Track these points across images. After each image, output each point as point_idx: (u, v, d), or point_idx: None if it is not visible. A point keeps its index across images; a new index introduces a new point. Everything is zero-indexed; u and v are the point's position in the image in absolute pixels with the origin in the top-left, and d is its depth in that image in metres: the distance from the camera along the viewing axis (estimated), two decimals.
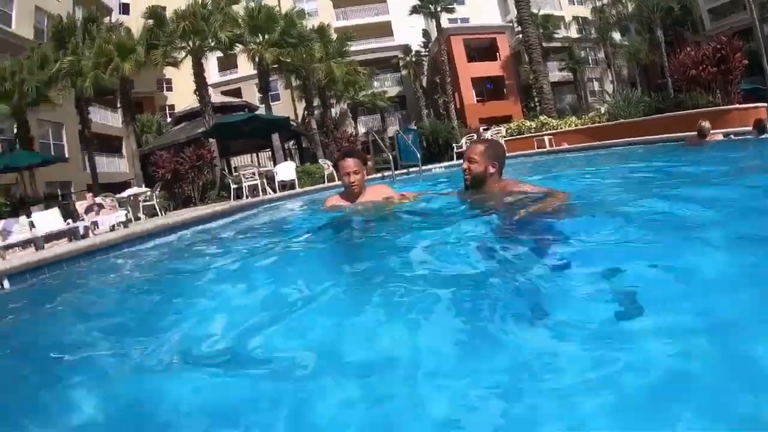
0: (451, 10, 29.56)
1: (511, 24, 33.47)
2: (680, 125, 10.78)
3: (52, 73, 17.27)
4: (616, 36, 35.46)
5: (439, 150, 21.32)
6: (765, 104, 11.57)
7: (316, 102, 24.09)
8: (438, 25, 29.55)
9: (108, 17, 27.56)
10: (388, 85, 33.76)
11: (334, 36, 23.76)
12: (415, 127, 26.53)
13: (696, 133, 8.05)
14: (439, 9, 28.99)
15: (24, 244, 9.45)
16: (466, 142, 17.96)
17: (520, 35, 26.44)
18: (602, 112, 17.39)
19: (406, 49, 33.12)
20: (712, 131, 8.14)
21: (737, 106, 12.02)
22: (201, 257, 4.31)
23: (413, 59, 33.50)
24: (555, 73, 33.33)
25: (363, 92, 27.76)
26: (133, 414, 1.52)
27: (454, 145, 18.81)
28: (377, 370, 1.31)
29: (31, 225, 9.91)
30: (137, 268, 5.09)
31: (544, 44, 27.22)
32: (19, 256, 8.09)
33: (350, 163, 3.28)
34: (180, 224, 7.76)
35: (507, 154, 3.16)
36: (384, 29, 34.09)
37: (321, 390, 1.25)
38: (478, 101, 32.49)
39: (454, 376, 1.22)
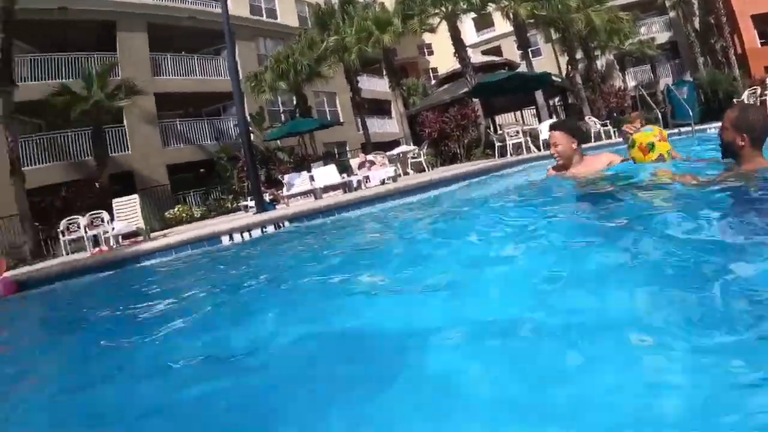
0: None
1: None
2: None
3: (320, 52, 19.54)
4: None
5: (719, 105, 17.82)
6: None
7: (578, 55, 22.29)
8: None
9: None
10: (655, 31, 29.04)
11: None
12: (691, 79, 22.59)
13: None
14: None
15: (305, 194, 10.89)
16: (747, 97, 14.79)
17: None
18: None
19: None
20: None
21: None
22: (463, 213, 4.53)
23: None
24: None
25: (629, 41, 24.36)
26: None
27: (734, 100, 15.59)
28: None
29: (311, 179, 11.24)
30: (395, 219, 5.87)
31: None
32: (300, 204, 9.43)
33: (552, 135, 3.48)
34: (447, 179, 8.13)
35: None
36: None
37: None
38: (762, 44, 26.13)
39: None
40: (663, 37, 28.93)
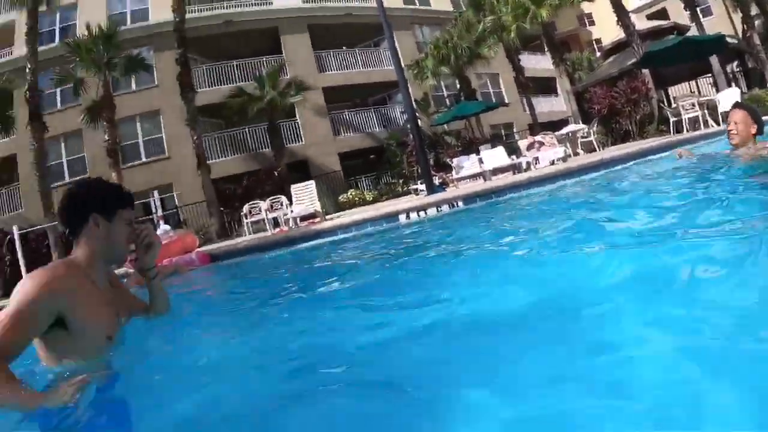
0: None
1: None
2: None
3: (478, 33, 19.13)
4: None
5: None
6: None
7: (754, 11, 18.82)
8: None
9: None
10: None
11: None
12: None
13: None
14: None
15: (474, 177, 10.92)
16: None
17: None
18: None
19: None
20: None
21: None
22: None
23: None
24: None
25: None
26: None
27: None
28: None
29: (480, 161, 11.20)
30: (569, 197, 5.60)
31: None
32: (470, 186, 9.41)
33: (734, 113, 3.43)
34: (620, 157, 7.60)
35: None
36: None
37: None
38: None
39: None
40: None
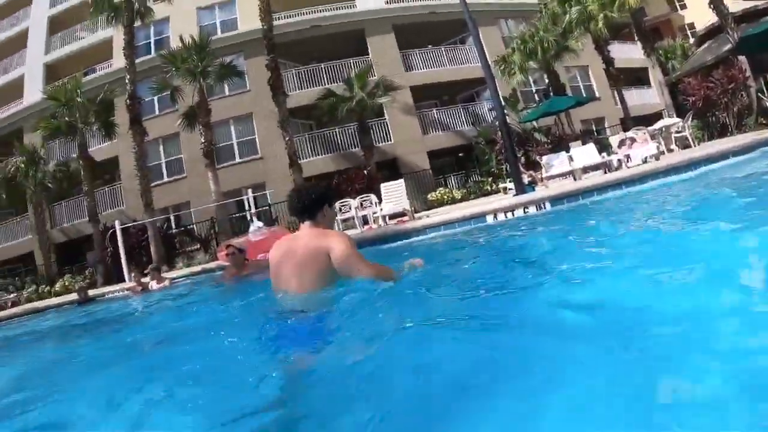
0: None
1: None
2: None
3: (565, 25, 18.48)
4: None
5: None
6: None
7: None
8: None
9: None
10: None
11: None
12: None
13: None
14: None
15: (564, 175, 10.67)
16: None
17: None
18: None
19: None
20: None
21: None
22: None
23: None
24: None
25: None
26: None
27: None
28: None
29: (570, 159, 10.96)
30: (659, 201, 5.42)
31: None
32: (559, 186, 9.27)
33: None
34: (705, 158, 7.29)
35: None
36: None
37: None
38: None
39: None
40: None
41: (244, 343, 2.35)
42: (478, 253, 4.94)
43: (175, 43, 16.98)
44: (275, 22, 16.27)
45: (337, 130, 19.79)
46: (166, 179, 19.44)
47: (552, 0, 20.20)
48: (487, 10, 22.72)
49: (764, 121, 13.04)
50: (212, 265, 10.06)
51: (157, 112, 19.52)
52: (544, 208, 7.26)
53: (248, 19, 19.09)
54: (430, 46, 22.17)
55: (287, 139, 15.29)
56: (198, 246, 15.72)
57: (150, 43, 21.02)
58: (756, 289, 1.80)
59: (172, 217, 18.46)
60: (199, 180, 16.94)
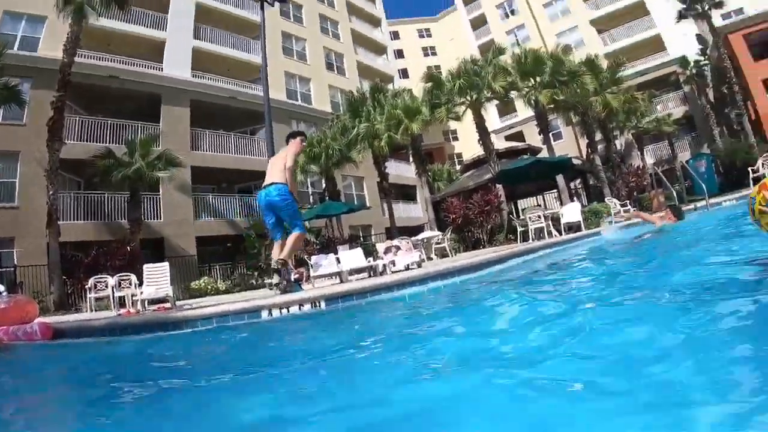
0: (720, 5, 24.65)
1: None
2: None
3: (351, 137, 20.35)
4: None
5: (737, 175, 18.19)
6: None
7: (597, 136, 22.89)
8: (710, 26, 24.76)
9: (391, 83, 31.78)
10: (671, 107, 29.47)
11: (605, 64, 22.55)
12: (708, 151, 23.28)
13: None
14: (706, 7, 24.47)
15: (331, 276, 10.88)
16: (762, 165, 15.43)
17: None
18: None
19: (683, 61, 28.08)
20: None
21: None
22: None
23: (693, 71, 28.05)
24: None
25: (646, 119, 25.14)
26: None
27: (749, 169, 15.84)
28: None
29: (338, 261, 11.17)
30: (419, 304, 5.71)
31: None
32: (329, 285, 9.31)
33: None
34: (467, 267, 7.74)
35: None
36: (655, 45, 30.72)
37: None
38: None
39: None
40: (679, 111, 29.49)
41: None
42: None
43: None
44: (77, 58, 14.15)
45: (106, 195, 17.49)
46: None
47: (345, 113, 22.09)
48: (283, 109, 23.78)
49: (512, 237, 15.29)
50: None
51: None
52: (320, 306, 7.36)
53: (51, 45, 16.46)
54: (221, 130, 22.03)
55: (51, 192, 12.81)
56: None
57: None
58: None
59: None
60: None
